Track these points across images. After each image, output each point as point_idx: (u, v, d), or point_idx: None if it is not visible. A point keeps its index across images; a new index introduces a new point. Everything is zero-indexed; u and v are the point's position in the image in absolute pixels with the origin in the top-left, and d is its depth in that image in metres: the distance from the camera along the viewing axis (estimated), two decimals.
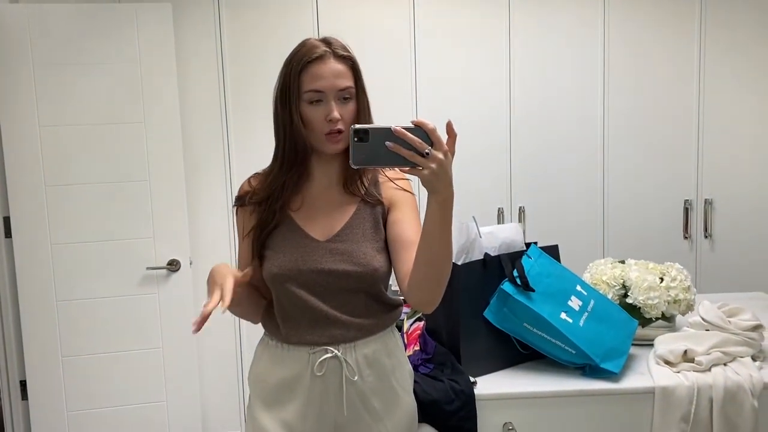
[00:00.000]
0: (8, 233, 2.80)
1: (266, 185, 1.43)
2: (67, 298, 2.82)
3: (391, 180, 1.47)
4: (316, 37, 1.40)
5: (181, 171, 2.87)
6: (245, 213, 1.46)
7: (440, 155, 1.10)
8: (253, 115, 3.00)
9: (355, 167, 1.17)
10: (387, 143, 1.11)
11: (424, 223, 1.21)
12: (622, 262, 2.04)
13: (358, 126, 1.13)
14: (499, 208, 3.14)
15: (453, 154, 1.13)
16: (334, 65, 1.35)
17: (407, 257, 1.33)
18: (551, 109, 3.13)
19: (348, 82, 1.36)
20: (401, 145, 1.10)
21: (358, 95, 1.38)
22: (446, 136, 1.13)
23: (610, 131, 3.16)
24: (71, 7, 2.76)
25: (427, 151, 1.10)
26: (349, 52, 1.38)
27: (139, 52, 2.78)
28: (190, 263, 2.92)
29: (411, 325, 1.85)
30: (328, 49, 1.36)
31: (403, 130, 1.10)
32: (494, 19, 3.07)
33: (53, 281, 2.81)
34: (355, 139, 1.13)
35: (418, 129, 1.10)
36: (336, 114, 1.33)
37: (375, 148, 1.12)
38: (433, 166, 1.10)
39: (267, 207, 1.42)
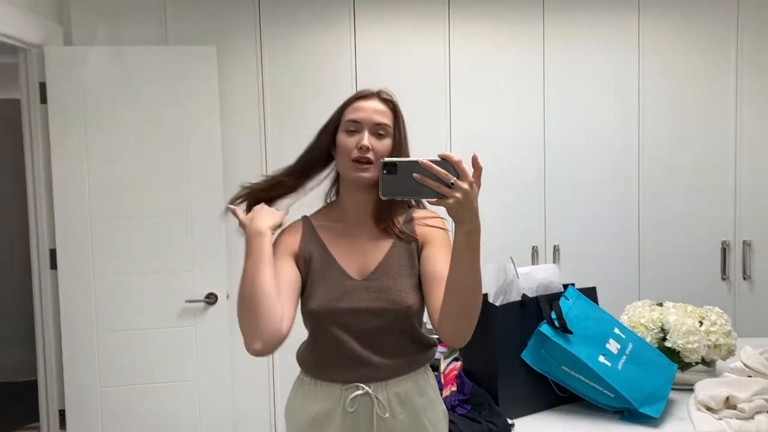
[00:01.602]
0: (54, 265, 2.89)
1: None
2: (108, 329, 2.89)
3: (424, 217, 1.51)
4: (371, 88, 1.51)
5: (221, 206, 2.93)
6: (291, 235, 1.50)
7: (465, 185, 1.14)
8: (292, 153, 3.05)
9: (383, 198, 1.21)
10: (414, 175, 1.15)
11: (452, 255, 1.24)
12: (660, 304, 2.03)
13: (387, 159, 1.19)
14: (533, 247, 3.14)
15: (479, 186, 1.16)
16: (376, 103, 1.46)
17: (439, 292, 1.35)
18: (586, 148, 3.14)
19: (385, 119, 1.45)
20: (427, 176, 1.15)
21: (394, 135, 1.46)
22: (472, 169, 1.17)
23: (645, 170, 3.15)
24: (121, 49, 2.88)
25: (452, 181, 1.14)
26: (393, 98, 1.49)
27: (184, 92, 2.88)
28: (227, 297, 2.97)
29: (448, 365, 1.86)
30: (374, 92, 1.48)
31: (430, 163, 1.15)
32: (528, 58, 3.12)
33: (95, 312, 2.88)
34: (384, 171, 1.18)
35: (445, 162, 1.15)
36: (366, 142, 1.41)
37: (403, 181, 1.17)
38: (459, 195, 1.14)
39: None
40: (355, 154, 1.41)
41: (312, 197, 1.56)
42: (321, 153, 1.50)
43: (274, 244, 1.47)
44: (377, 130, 1.43)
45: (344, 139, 1.44)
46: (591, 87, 3.14)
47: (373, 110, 1.44)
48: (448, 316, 1.30)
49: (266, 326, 1.32)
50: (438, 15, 3.09)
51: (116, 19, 3.00)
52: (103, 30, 2.99)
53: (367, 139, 1.41)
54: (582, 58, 3.13)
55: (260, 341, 1.32)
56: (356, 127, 1.43)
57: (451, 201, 1.14)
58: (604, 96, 3.14)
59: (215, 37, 3.01)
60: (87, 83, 2.83)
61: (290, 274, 1.44)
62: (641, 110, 3.14)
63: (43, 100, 2.84)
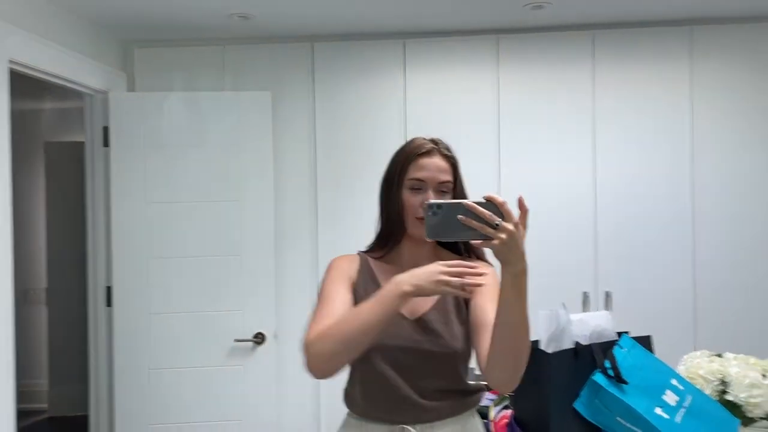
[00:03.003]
0: (109, 302, 2.97)
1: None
2: (159, 367, 2.94)
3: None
4: (424, 137, 1.52)
5: (272, 248, 2.99)
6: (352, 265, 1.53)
7: (510, 227, 1.14)
8: (342, 198, 3.13)
9: (428, 240, 1.23)
10: (458, 216, 1.16)
11: (499, 297, 1.23)
12: (720, 355, 1.95)
13: (432, 201, 1.21)
14: (584, 292, 3.08)
15: (525, 228, 1.17)
16: (439, 161, 1.48)
17: (488, 338, 1.34)
18: (638, 191, 3.09)
19: (448, 177, 1.48)
20: (472, 218, 1.15)
21: (454, 189, 1.49)
22: (518, 211, 1.17)
23: (699, 212, 3.06)
24: (179, 95, 3.00)
25: (497, 222, 1.14)
26: (452, 152, 1.51)
27: (240, 137, 2.98)
28: (275, 337, 2.99)
29: (498, 413, 1.82)
30: (435, 147, 1.49)
31: (474, 204, 1.16)
32: (579, 100, 3.11)
33: (147, 349, 2.94)
34: (429, 213, 1.19)
35: (489, 203, 1.16)
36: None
37: (448, 222, 1.18)
38: (503, 236, 1.14)
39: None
40: (419, 212, 1.43)
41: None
42: (399, 208, 1.48)
43: (334, 267, 1.50)
44: (440, 187, 1.46)
45: (409, 198, 1.46)
46: (643, 129, 3.10)
47: (437, 168, 1.47)
48: (495, 360, 1.29)
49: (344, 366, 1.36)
50: (488, 60, 3.13)
51: (176, 66, 3.14)
52: (164, 77, 3.13)
53: (431, 198, 1.43)
54: (633, 99, 3.10)
55: (331, 375, 1.34)
56: (420, 185, 1.46)
57: (496, 242, 1.15)
58: (656, 138, 3.09)
59: (270, 82, 3.11)
60: (147, 127, 2.95)
61: (350, 301, 1.44)
62: (694, 153, 3.07)
63: (106, 143, 2.97)
